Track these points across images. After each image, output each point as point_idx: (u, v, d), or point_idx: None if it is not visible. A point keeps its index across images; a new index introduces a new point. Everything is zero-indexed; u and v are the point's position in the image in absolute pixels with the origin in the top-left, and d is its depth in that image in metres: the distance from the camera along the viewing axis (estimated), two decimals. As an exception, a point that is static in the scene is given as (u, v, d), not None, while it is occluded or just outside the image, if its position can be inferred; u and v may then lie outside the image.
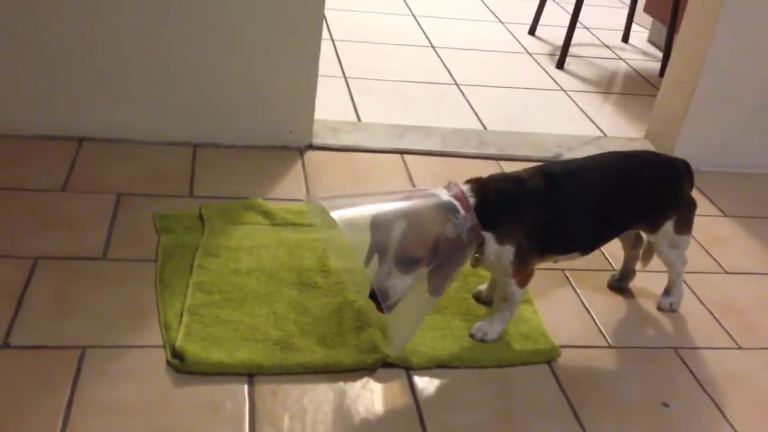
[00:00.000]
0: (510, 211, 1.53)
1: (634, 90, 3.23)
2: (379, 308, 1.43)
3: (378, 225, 1.44)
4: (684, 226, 1.73)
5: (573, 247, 1.65)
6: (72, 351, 1.51)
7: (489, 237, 1.52)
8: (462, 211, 1.47)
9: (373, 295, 1.42)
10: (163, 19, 2.16)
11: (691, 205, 1.75)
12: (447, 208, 1.46)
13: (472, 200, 1.49)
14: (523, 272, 1.58)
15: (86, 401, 1.41)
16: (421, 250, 1.41)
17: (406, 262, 1.41)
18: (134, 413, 1.40)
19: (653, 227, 1.73)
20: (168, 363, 1.52)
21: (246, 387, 1.50)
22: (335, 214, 1.42)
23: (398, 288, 1.42)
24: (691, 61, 2.51)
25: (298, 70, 2.29)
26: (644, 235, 1.82)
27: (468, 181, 1.53)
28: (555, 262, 1.72)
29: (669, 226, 1.72)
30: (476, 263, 1.56)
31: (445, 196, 1.49)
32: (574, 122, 2.85)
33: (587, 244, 1.68)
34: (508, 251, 1.53)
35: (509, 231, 1.52)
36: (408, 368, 1.59)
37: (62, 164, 2.12)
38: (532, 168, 1.63)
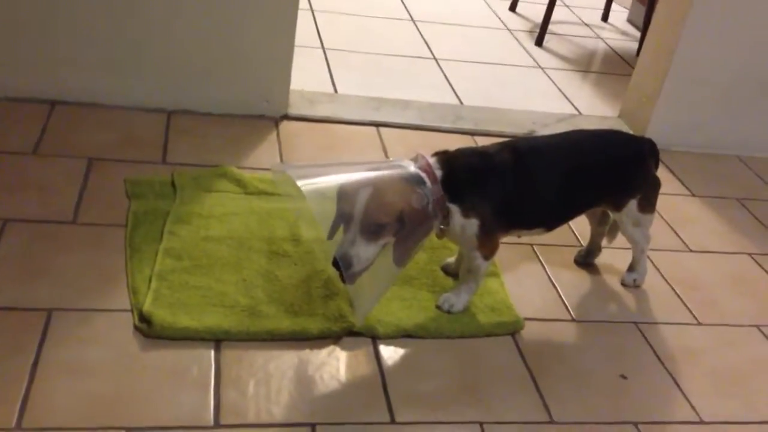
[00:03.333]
0: (476, 184, 1.55)
1: (611, 69, 3.25)
2: (342, 278, 1.44)
3: (344, 195, 1.46)
4: (647, 205, 1.76)
5: (537, 222, 1.68)
6: (39, 313, 1.52)
7: (455, 209, 1.54)
8: (428, 183, 1.48)
9: (336, 264, 1.43)
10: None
11: (655, 185, 1.78)
12: (414, 180, 1.48)
13: (438, 173, 1.51)
14: (487, 245, 1.61)
15: (52, 363, 1.42)
16: (386, 218, 1.42)
17: (371, 230, 1.42)
18: (100, 376, 1.42)
19: (617, 205, 1.76)
20: (135, 327, 1.53)
21: (212, 352, 1.52)
22: (301, 183, 1.43)
23: (362, 256, 1.43)
24: (665, 42, 2.53)
25: (275, 39, 2.28)
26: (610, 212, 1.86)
27: (435, 154, 1.55)
28: (519, 236, 1.74)
29: (633, 204, 1.74)
30: (441, 234, 1.58)
31: (412, 167, 1.50)
32: (550, 99, 2.87)
33: (552, 220, 1.70)
34: (473, 224, 1.56)
35: (475, 204, 1.54)
36: (374, 337, 1.61)
37: (34, 127, 2.10)
38: (500, 143, 1.64)
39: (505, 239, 1.69)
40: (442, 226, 1.55)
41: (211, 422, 1.37)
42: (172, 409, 1.38)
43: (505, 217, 1.59)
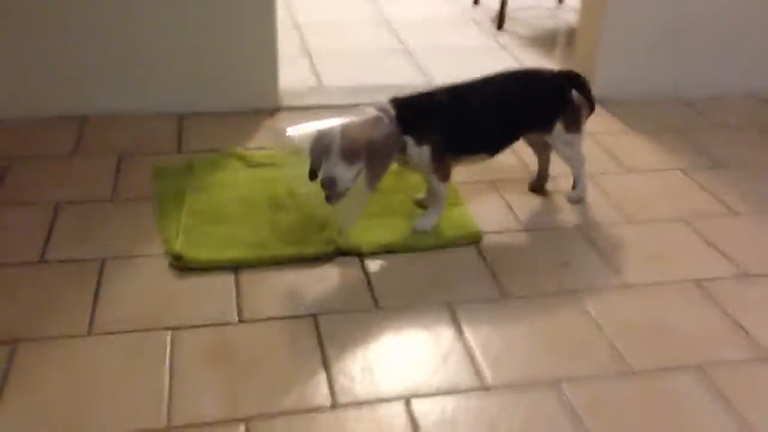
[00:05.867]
0: (423, 118, 1.95)
1: (568, 43, 3.65)
2: (327, 198, 1.84)
3: (320, 137, 1.85)
4: (572, 125, 2.13)
5: (480, 148, 2.07)
6: (94, 262, 1.93)
7: (409, 140, 1.93)
8: (386, 120, 1.88)
9: (323, 185, 1.82)
10: (148, 16, 2.59)
11: (576, 108, 2.14)
12: (375, 119, 1.88)
13: (393, 112, 1.91)
14: (441, 168, 2.00)
15: (109, 292, 1.83)
16: (359, 144, 1.80)
17: (348, 154, 1.79)
18: (146, 300, 1.82)
19: (546, 129, 2.14)
20: (170, 265, 1.93)
21: (233, 276, 1.91)
22: (291, 131, 1.85)
23: (343, 177, 1.80)
24: (596, 6, 2.93)
25: (260, 48, 2.72)
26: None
27: (390, 99, 1.95)
28: (471, 164, 2.13)
29: (559, 126, 2.12)
30: (403, 164, 1.98)
31: (373, 111, 1.91)
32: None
33: (491, 146, 2.09)
34: (426, 150, 1.95)
35: (424, 134, 1.93)
36: (360, 255, 2.00)
37: (70, 138, 2.54)
38: (442, 86, 2.04)
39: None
40: (401, 156, 1.95)
41: (236, 319, 1.77)
42: (205, 313, 1.78)
43: (451, 143, 1.98)
